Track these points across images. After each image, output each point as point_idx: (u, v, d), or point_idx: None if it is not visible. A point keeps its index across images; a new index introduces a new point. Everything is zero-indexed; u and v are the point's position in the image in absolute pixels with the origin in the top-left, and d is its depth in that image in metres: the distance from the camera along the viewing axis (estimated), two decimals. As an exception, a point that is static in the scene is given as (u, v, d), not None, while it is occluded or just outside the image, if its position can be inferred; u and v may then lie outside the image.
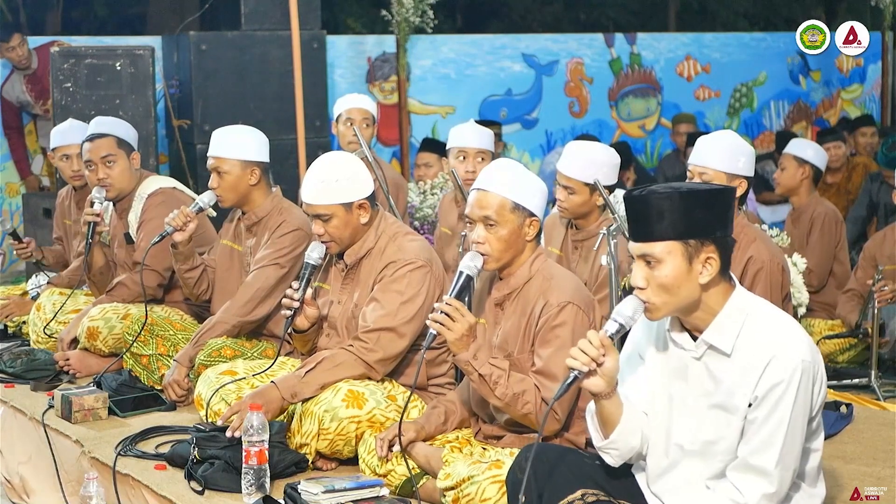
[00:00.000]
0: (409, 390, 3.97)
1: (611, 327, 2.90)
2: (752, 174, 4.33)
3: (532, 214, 3.55)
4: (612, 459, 3.02)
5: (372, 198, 4.07)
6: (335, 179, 3.99)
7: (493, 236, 3.52)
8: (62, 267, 5.97)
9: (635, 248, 2.86)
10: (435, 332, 3.42)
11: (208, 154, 4.72)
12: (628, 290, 4.21)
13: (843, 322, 5.90)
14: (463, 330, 3.38)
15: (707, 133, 5.20)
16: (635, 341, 3.07)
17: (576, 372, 2.87)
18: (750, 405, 2.80)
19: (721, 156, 4.27)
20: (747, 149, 4.36)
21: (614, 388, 2.93)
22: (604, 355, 2.86)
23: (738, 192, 4.17)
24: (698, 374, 2.90)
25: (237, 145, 4.69)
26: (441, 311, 3.39)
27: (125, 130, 5.30)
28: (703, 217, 2.82)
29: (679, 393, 2.93)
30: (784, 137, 9.95)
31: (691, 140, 9.75)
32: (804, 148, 6.41)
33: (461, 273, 3.48)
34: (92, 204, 5.16)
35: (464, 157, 5.65)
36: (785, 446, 2.78)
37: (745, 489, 2.81)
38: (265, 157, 4.77)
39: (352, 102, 6.09)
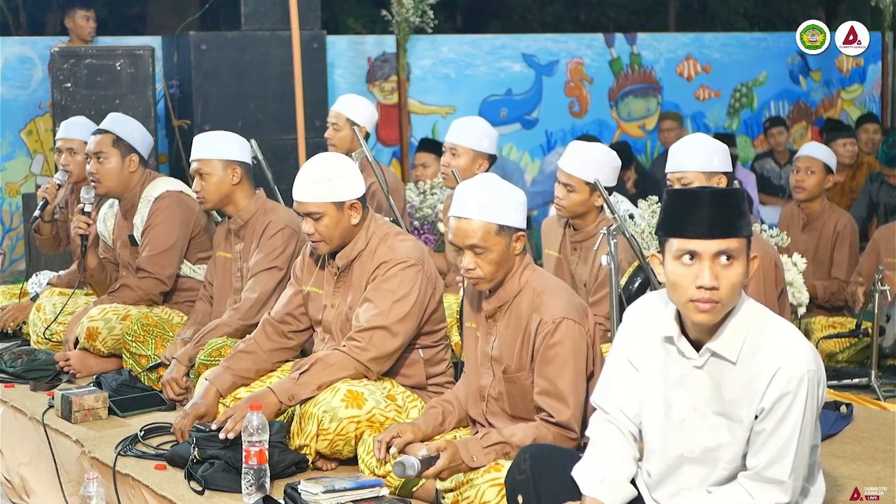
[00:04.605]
0: (408, 390, 3.99)
1: None
2: (729, 169, 4.43)
3: (517, 230, 3.52)
4: None
5: (363, 199, 4.07)
6: (328, 178, 3.98)
7: (484, 261, 3.49)
8: (53, 240, 5.94)
9: (711, 245, 2.71)
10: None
11: (191, 159, 4.77)
12: (629, 291, 4.24)
13: (851, 298, 5.86)
14: (447, 473, 3.34)
15: (707, 133, 5.23)
16: (628, 348, 3.01)
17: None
18: (756, 417, 2.78)
19: (696, 158, 4.38)
20: (719, 145, 4.47)
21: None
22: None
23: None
24: (698, 383, 2.86)
25: (217, 146, 4.77)
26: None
27: (129, 131, 5.22)
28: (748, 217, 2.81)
29: (677, 401, 2.89)
30: (771, 124, 9.96)
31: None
32: (829, 156, 6.10)
33: None
34: (83, 210, 5.13)
35: (443, 152, 5.68)
36: (797, 457, 2.78)
37: (759, 497, 2.80)
38: (246, 158, 4.81)
39: None
